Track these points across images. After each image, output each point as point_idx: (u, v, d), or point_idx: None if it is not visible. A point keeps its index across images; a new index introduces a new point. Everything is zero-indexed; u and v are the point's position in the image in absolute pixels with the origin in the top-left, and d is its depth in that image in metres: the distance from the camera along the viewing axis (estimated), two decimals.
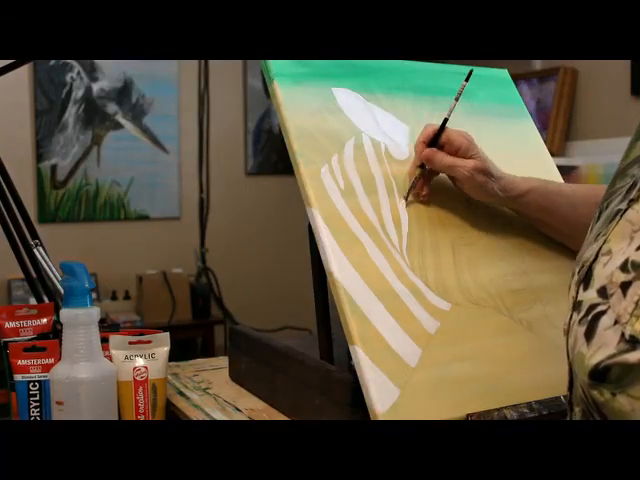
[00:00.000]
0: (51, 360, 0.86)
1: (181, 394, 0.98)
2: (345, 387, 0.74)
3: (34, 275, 1.05)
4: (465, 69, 0.89)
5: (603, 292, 0.51)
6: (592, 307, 0.52)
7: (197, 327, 3.44)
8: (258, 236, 3.77)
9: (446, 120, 0.85)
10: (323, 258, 0.77)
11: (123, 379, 0.85)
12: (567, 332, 0.56)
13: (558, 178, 1.00)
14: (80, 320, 0.81)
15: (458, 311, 0.79)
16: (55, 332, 0.93)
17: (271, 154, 3.81)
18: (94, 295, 3.19)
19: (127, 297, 3.40)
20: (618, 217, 0.55)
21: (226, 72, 3.67)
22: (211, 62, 3.62)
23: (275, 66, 0.86)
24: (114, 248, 3.43)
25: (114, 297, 3.38)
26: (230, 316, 3.68)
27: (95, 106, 3.39)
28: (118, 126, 3.45)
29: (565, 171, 2.57)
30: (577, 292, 0.56)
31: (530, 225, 0.91)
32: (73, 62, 3.32)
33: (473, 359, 0.76)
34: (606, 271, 0.52)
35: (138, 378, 0.86)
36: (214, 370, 1.11)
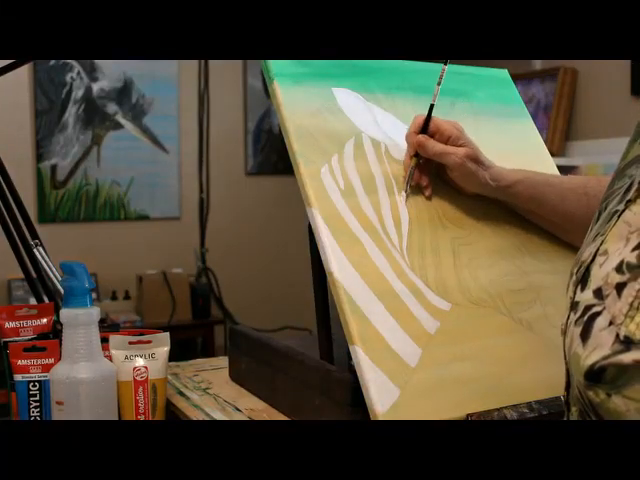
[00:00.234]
0: (51, 360, 0.86)
1: (181, 394, 0.98)
2: (345, 387, 0.74)
3: (34, 275, 1.05)
4: (465, 69, 0.89)
5: (599, 293, 0.52)
6: (588, 308, 0.52)
7: (197, 327, 3.44)
8: (258, 236, 3.77)
9: (432, 106, 0.86)
10: (323, 258, 0.77)
11: (123, 379, 0.85)
12: (564, 332, 0.56)
13: None
14: (80, 320, 0.81)
15: (458, 311, 0.79)
16: (55, 332, 0.93)
17: (271, 154, 3.81)
18: (94, 295, 3.19)
19: (127, 297, 3.40)
20: (615, 218, 0.56)
21: (226, 72, 3.67)
22: (211, 62, 3.62)
23: (275, 66, 0.86)
24: (114, 248, 3.43)
25: (114, 297, 3.38)
26: (230, 316, 3.68)
27: (95, 106, 3.39)
28: (118, 126, 3.45)
29: (565, 171, 2.56)
30: (575, 293, 0.56)
31: (530, 225, 0.91)
32: (73, 62, 3.32)
33: (473, 359, 0.76)
34: (602, 272, 0.52)
35: (138, 378, 0.86)
36: (214, 370, 1.11)
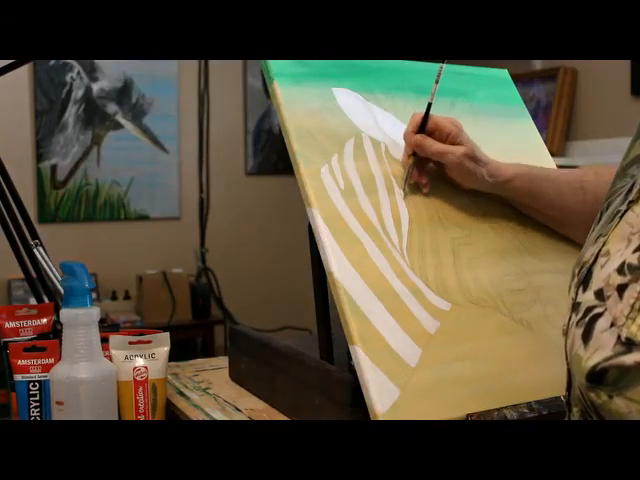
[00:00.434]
0: (51, 360, 0.86)
1: (181, 394, 0.98)
2: (345, 387, 0.74)
3: (34, 275, 1.05)
4: (465, 69, 0.89)
5: (600, 294, 0.51)
6: (589, 309, 0.52)
7: (197, 327, 3.44)
8: (258, 236, 3.77)
9: (430, 105, 0.86)
10: (323, 258, 0.77)
11: (123, 379, 0.85)
12: (566, 333, 0.56)
13: None
14: (80, 320, 0.81)
15: (458, 311, 0.79)
16: (55, 332, 0.93)
17: (271, 154, 3.81)
18: (94, 295, 3.19)
19: (127, 297, 3.40)
20: (617, 219, 0.55)
21: (226, 72, 3.67)
22: (211, 62, 3.62)
23: (275, 66, 0.86)
24: (114, 248, 3.44)
25: (114, 297, 3.38)
26: (230, 316, 3.68)
27: (95, 106, 3.39)
28: (118, 126, 3.45)
29: None
30: (576, 293, 0.56)
31: (530, 225, 0.91)
32: (73, 62, 3.32)
33: (473, 359, 0.76)
34: (603, 273, 0.52)
35: (138, 378, 0.86)
36: (214, 370, 1.11)
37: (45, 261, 1.04)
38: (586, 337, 0.51)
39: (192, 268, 3.56)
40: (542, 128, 2.86)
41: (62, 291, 0.88)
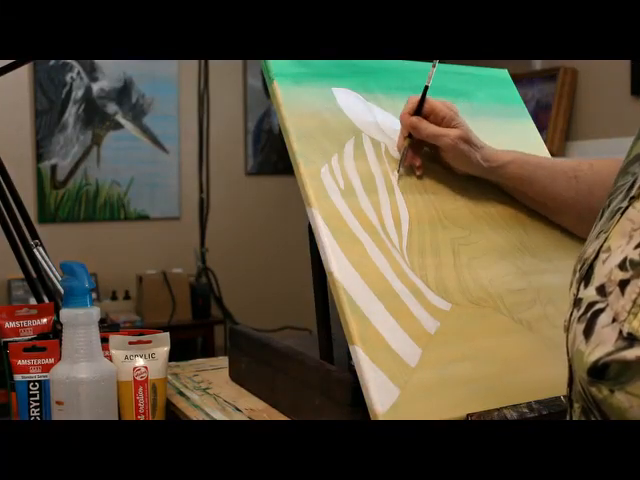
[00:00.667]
0: (51, 360, 0.86)
1: (181, 394, 0.98)
2: (345, 387, 0.74)
3: (34, 275, 1.05)
4: (465, 69, 0.89)
5: (602, 290, 0.52)
6: (591, 305, 0.52)
7: (197, 327, 3.44)
8: (258, 236, 3.77)
9: (427, 88, 0.87)
10: (323, 258, 0.77)
11: (123, 379, 0.85)
12: (567, 329, 0.56)
13: None
14: (80, 320, 0.81)
15: (458, 311, 0.79)
16: (55, 332, 0.93)
17: (271, 154, 3.81)
18: (94, 295, 3.19)
19: (127, 297, 3.40)
20: (619, 215, 0.56)
21: (226, 72, 3.67)
22: (211, 62, 3.62)
23: (275, 66, 0.86)
24: (114, 248, 3.44)
25: (114, 297, 3.38)
26: (230, 316, 3.68)
27: (95, 106, 3.39)
28: (118, 126, 3.45)
29: None
30: (578, 289, 0.56)
31: (530, 225, 0.91)
32: (73, 62, 3.32)
33: (473, 359, 0.76)
34: (605, 269, 0.52)
35: (138, 378, 0.86)
36: (214, 370, 1.11)
37: (45, 261, 1.04)
38: (588, 332, 0.51)
39: (192, 268, 3.56)
40: (542, 128, 2.86)
41: (62, 291, 0.88)
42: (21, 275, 1.06)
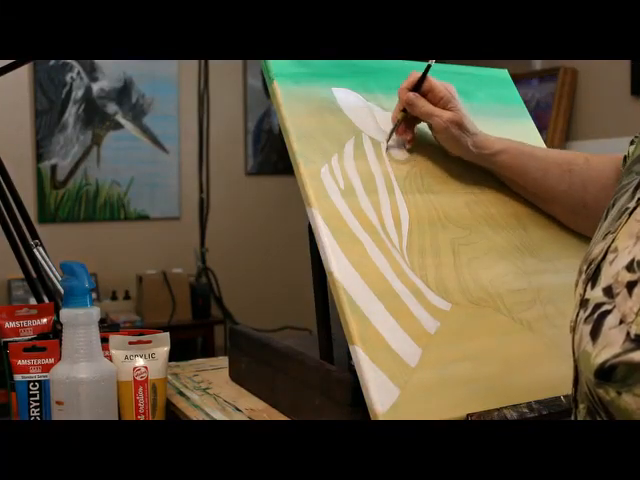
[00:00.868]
0: (51, 360, 0.86)
1: (181, 394, 0.98)
2: (345, 387, 0.74)
3: (34, 275, 1.05)
4: (465, 69, 0.89)
5: (609, 291, 0.52)
6: (598, 306, 0.52)
7: (197, 327, 3.43)
8: (258, 236, 3.77)
9: (429, 66, 0.87)
10: (323, 258, 0.77)
11: (123, 379, 0.85)
12: (573, 329, 0.56)
13: None
14: (80, 320, 0.81)
15: (458, 311, 0.79)
16: (55, 332, 0.93)
17: (271, 154, 3.81)
18: (94, 295, 3.19)
19: (127, 297, 3.40)
20: (626, 215, 0.56)
21: (226, 72, 3.67)
22: (211, 62, 3.61)
23: (275, 66, 0.86)
24: (114, 248, 3.43)
25: (114, 297, 3.38)
26: (230, 316, 3.68)
27: (95, 106, 3.39)
28: (118, 126, 3.45)
29: None
30: (584, 290, 0.56)
31: (530, 225, 0.91)
32: (73, 62, 3.31)
33: (473, 359, 0.76)
34: (612, 270, 0.52)
35: (138, 378, 0.86)
36: (214, 370, 1.11)
37: (45, 261, 1.04)
38: (595, 334, 0.51)
39: (192, 268, 3.56)
40: (542, 128, 2.85)
41: (62, 291, 0.88)
42: (21, 275, 1.06)
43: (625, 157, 0.75)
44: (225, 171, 3.71)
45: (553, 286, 0.87)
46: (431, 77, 0.87)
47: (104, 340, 0.85)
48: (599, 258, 0.56)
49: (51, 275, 1.04)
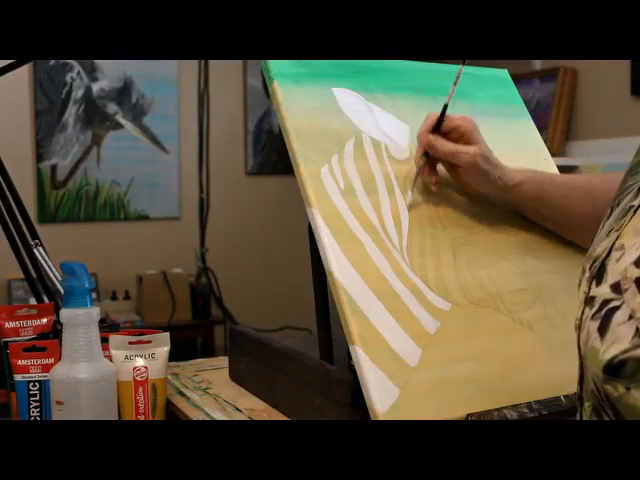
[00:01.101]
0: (51, 360, 0.86)
1: (181, 394, 0.98)
2: (345, 387, 0.74)
3: (34, 275, 1.05)
4: (465, 69, 0.89)
5: (617, 287, 0.52)
6: (605, 302, 0.52)
7: (197, 327, 3.44)
8: (258, 236, 3.77)
9: (446, 106, 0.85)
10: (323, 258, 0.77)
11: (123, 379, 0.85)
12: (579, 327, 0.56)
13: None
14: (80, 320, 0.81)
15: (458, 311, 0.79)
16: (55, 332, 0.93)
17: (271, 154, 3.81)
18: (94, 295, 3.19)
19: (127, 297, 3.40)
20: (631, 213, 0.56)
21: (226, 72, 3.67)
22: (211, 62, 3.62)
23: (275, 66, 0.86)
24: (114, 248, 3.43)
25: (114, 297, 3.38)
26: (230, 316, 3.68)
27: (95, 106, 3.39)
28: (118, 126, 3.45)
29: (565, 171, 2.56)
30: (589, 288, 0.56)
31: (530, 225, 0.91)
32: (73, 62, 3.32)
33: (473, 359, 0.76)
34: (619, 267, 0.52)
35: (138, 378, 0.86)
36: (214, 370, 1.11)
37: (45, 261, 1.04)
38: (602, 330, 0.51)
39: (192, 268, 3.56)
40: (542, 128, 2.85)
41: (62, 291, 0.88)
42: (21, 275, 1.06)
43: None
44: (225, 171, 3.71)
45: (553, 286, 0.87)
46: (450, 115, 0.85)
47: (104, 340, 0.85)
48: (603, 255, 0.56)
49: (51, 275, 1.04)
